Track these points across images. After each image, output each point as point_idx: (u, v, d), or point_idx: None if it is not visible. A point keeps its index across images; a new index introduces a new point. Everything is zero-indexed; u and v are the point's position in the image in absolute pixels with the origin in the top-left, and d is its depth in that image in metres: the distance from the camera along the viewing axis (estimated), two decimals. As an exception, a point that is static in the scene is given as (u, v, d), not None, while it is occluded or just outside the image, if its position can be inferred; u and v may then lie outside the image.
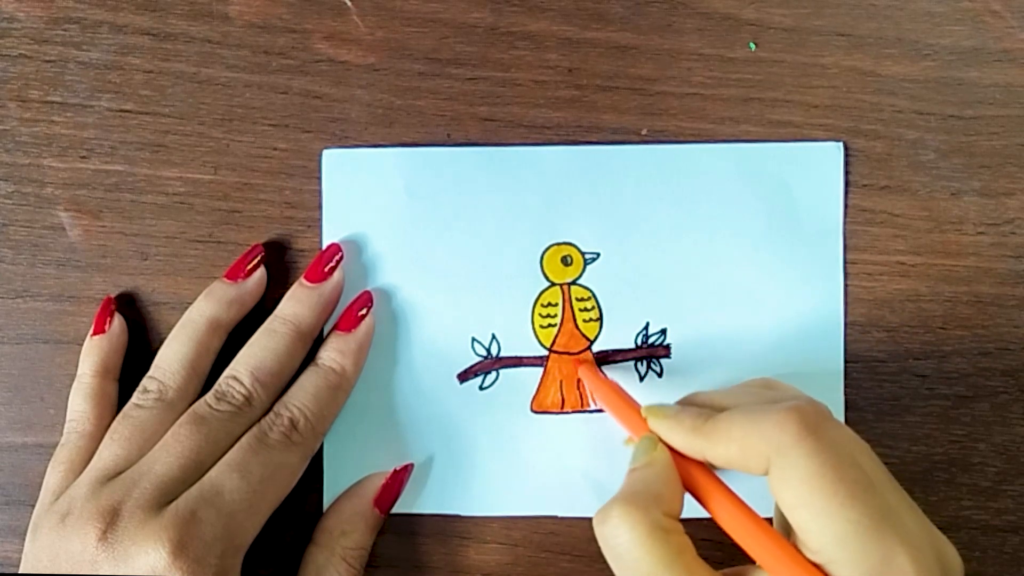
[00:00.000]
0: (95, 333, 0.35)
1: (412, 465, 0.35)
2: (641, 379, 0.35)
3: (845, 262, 0.35)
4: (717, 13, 0.35)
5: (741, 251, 0.35)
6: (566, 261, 0.35)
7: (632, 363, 0.35)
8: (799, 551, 0.25)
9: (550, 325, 0.35)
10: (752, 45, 0.35)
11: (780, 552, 0.25)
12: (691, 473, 0.28)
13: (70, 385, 0.34)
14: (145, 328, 0.36)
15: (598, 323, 0.35)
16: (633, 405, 0.31)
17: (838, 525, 0.24)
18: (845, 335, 0.35)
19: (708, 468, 0.28)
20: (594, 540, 0.35)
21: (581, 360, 0.35)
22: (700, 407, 0.29)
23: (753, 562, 0.26)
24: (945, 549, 0.25)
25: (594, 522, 0.27)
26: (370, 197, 0.35)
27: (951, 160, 0.35)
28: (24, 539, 0.31)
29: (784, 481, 0.25)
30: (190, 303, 0.34)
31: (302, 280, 0.34)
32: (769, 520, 0.27)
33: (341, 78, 0.36)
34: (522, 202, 0.35)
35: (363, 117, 0.36)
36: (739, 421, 0.27)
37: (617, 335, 0.35)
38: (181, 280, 0.36)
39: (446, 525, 0.35)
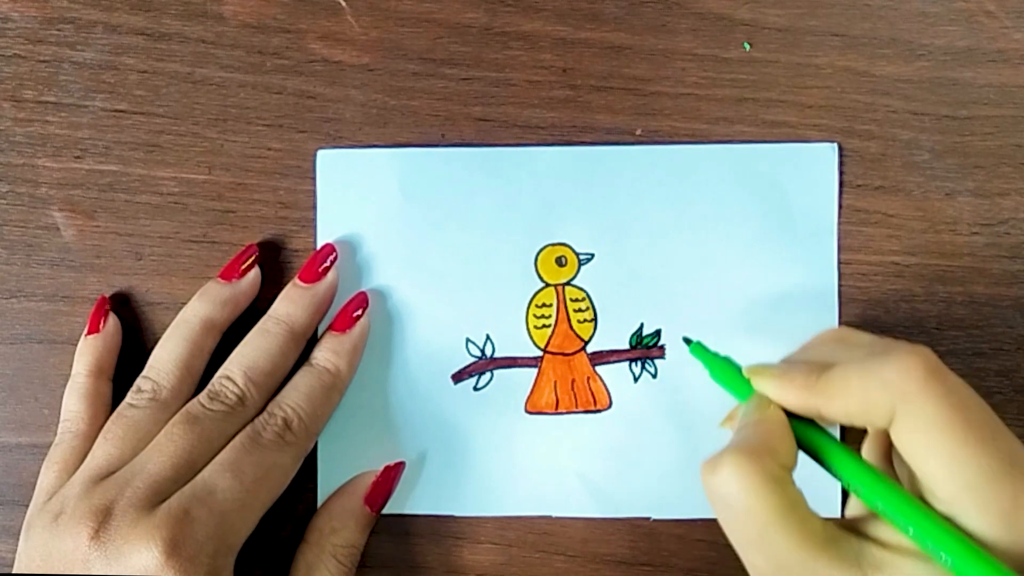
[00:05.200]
0: (89, 333, 0.35)
1: (403, 463, 0.35)
2: (635, 380, 0.35)
3: (839, 262, 0.35)
4: (711, 13, 0.35)
5: (735, 252, 0.35)
6: (560, 262, 0.35)
7: (626, 364, 0.35)
8: (926, 501, 0.25)
9: (544, 326, 0.35)
10: (746, 45, 0.35)
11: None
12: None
13: (64, 385, 0.34)
14: (139, 328, 0.36)
15: (592, 324, 0.35)
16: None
17: (968, 470, 0.24)
18: (839, 335, 0.35)
19: (820, 425, 0.27)
20: (588, 540, 0.35)
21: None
22: (807, 365, 0.28)
23: (874, 514, 0.26)
24: None
25: (703, 472, 0.26)
26: (364, 197, 0.35)
27: (945, 160, 0.35)
28: (18, 539, 0.31)
29: (912, 429, 0.24)
30: (184, 303, 0.34)
31: (296, 280, 0.34)
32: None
33: (335, 78, 0.36)
34: (516, 202, 0.35)
35: (357, 117, 0.36)
36: (856, 372, 0.26)
37: (611, 336, 0.35)
38: (175, 280, 0.36)
39: (440, 525, 0.35)
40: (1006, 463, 0.24)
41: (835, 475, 0.27)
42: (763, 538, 0.25)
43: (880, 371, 0.25)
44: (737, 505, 0.25)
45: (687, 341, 0.33)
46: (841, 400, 0.26)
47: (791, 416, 0.28)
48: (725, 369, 0.31)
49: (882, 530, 0.26)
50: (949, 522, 0.24)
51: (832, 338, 0.31)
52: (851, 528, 0.26)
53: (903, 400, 0.25)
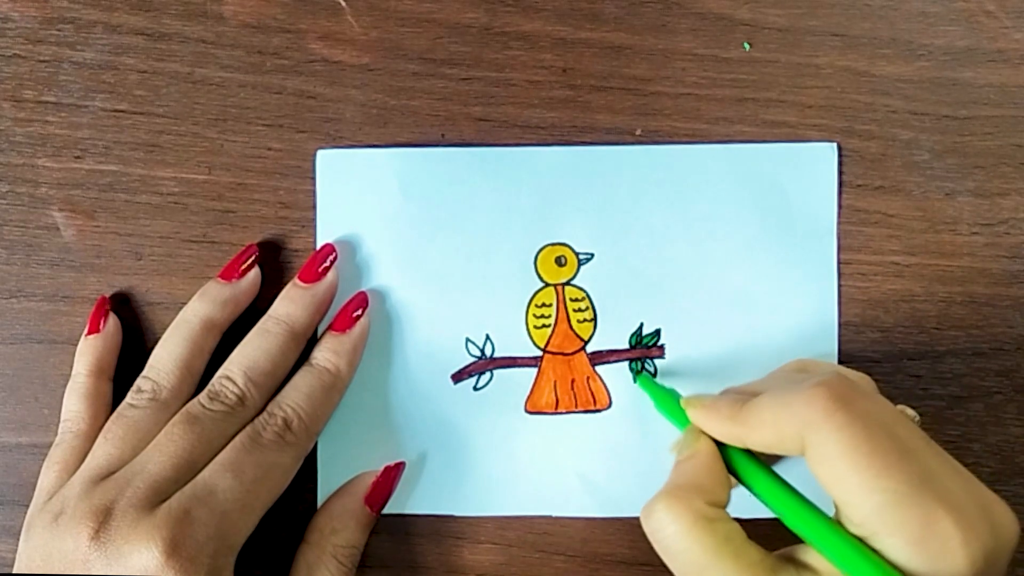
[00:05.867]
0: (90, 333, 0.35)
1: (404, 463, 0.35)
2: (635, 379, 0.35)
3: (839, 262, 0.35)
4: (711, 13, 0.35)
5: (735, 252, 0.35)
6: (560, 262, 0.35)
7: (626, 363, 0.35)
8: (843, 526, 0.25)
9: (544, 326, 0.35)
10: (746, 45, 0.35)
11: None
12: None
13: (64, 385, 0.34)
14: (139, 328, 0.36)
15: (592, 323, 0.35)
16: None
17: (876, 496, 0.24)
18: (839, 335, 0.35)
19: (751, 454, 0.28)
20: (588, 540, 0.35)
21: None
22: (738, 395, 0.29)
23: (802, 541, 0.26)
24: (995, 508, 0.25)
25: (641, 517, 0.27)
26: (364, 197, 0.35)
27: (945, 160, 0.35)
28: (18, 539, 0.31)
29: (819, 457, 0.25)
30: (184, 303, 0.34)
31: (296, 280, 0.34)
32: None
33: (335, 78, 0.36)
34: (516, 202, 0.35)
35: (357, 117, 0.36)
36: (770, 404, 0.27)
37: (611, 335, 0.35)
38: (175, 280, 0.36)
39: (440, 525, 0.35)
40: (916, 486, 0.24)
41: (761, 501, 0.27)
42: (703, 575, 0.26)
43: (790, 402, 0.26)
44: (673, 547, 0.26)
45: (633, 373, 0.34)
46: (758, 431, 0.27)
47: (727, 444, 0.29)
48: (667, 400, 0.32)
49: (817, 558, 0.26)
50: (866, 546, 0.24)
51: (794, 367, 0.32)
52: (790, 558, 0.27)
53: (809, 430, 0.25)
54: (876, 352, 0.35)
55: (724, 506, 0.27)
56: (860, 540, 0.25)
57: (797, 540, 0.27)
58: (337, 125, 0.36)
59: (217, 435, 0.31)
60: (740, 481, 0.28)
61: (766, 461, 0.28)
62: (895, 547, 0.24)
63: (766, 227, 0.35)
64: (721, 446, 0.29)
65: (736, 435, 0.28)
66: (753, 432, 0.27)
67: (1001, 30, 0.35)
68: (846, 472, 0.24)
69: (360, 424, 0.35)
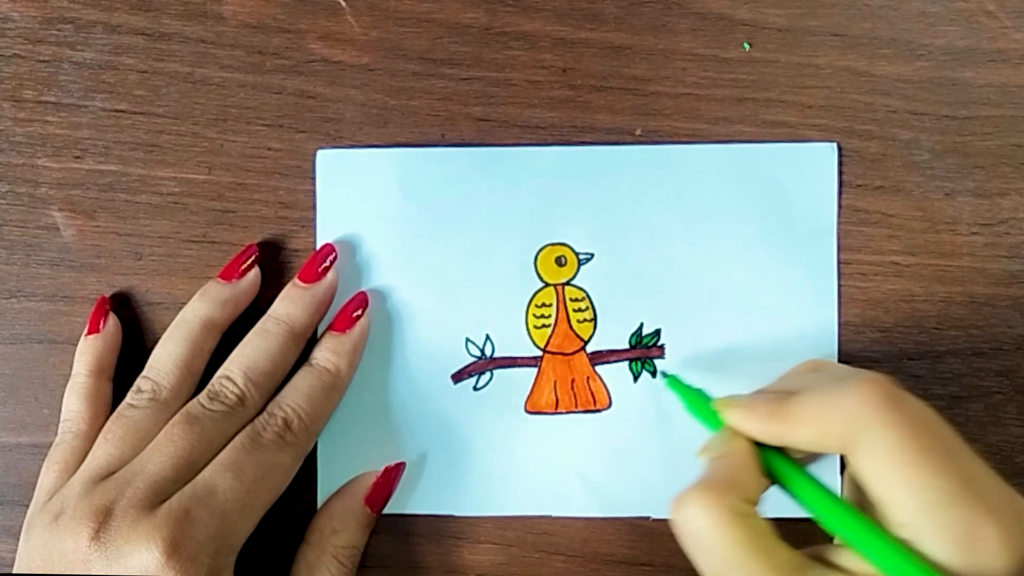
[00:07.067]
0: (89, 333, 0.35)
1: (404, 464, 0.35)
2: (635, 379, 0.35)
3: (839, 262, 0.35)
4: (711, 13, 0.35)
5: (735, 251, 0.35)
6: (560, 262, 0.35)
7: (626, 363, 0.35)
8: (884, 527, 0.25)
9: (544, 326, 0.35)
10: (746, 45, 0.35)
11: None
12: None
13: (64, 385, 0.34)
14: (139, 328, 0.36)
15: (592, 323, 0.35)
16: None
17: (925, 495, 0.24)
18: (839, 335, 0.35)
19: (786, 453, 0.28)
20: (588, 540, 0.35)
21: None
22: (773, 394, 0.29)
23: (830, 541, 0.26)
24: None
25: (671, 507, 0.27)
26: (364, 197, 0.35)
27: (945, 160, 0.35)
28: (18, 539, 0.31)
29: (869, 455, 0.25)
30: (184, 303, 0.34)
31: (296, 280, 0.34)
32: None
33: (335, 78, 0.36)
34: (516, 202, 0.35)
35: (357, 117, 0.36)
36: (816, 400, 0.27)
37: (611, 336, 0.35)
38: (175, 280, 0.36)
39: (440, 525, 0.35)
40: (963, 487, 0.24)
41: (799, 503, 0.27)
42: (730, 571, 0.26)
43: (838, 399, 0.26)
44: (703, 540, 0.26)
45: (664, 374, 0.33)
46: (802, 428, 0.27)
47: (761, 446, 0.28)
48: (698, 401, 0.31)
49: (848, 558, 0.26)
50: (908, 547, 0.24)
51: (807, 368, 0.32)
52: (819, 557, 0.27)
53: (859, 427, 0.25)
54: (876, 352, 0.35)
55: (756, 505, 0.27)
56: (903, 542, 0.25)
57: (823, 540, 0.27)
58: (337, 125, 0.36)
59: (217, 435, 0.31)
60: (777, 482, 0.28)
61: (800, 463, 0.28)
62: (938, 549, 0.24)
63: (766, 227, 0.35)
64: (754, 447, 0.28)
65: (777, 432, 0.27)
66: (796, 429, 0.27)
67: (1001, 30, 0.35)
68: (896, 469, 0.24)
69: (360, 424, 0.35)
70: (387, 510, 0.34)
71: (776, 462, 0.28)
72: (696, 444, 0.35)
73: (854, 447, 0.26)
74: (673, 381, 0.33)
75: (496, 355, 0.35)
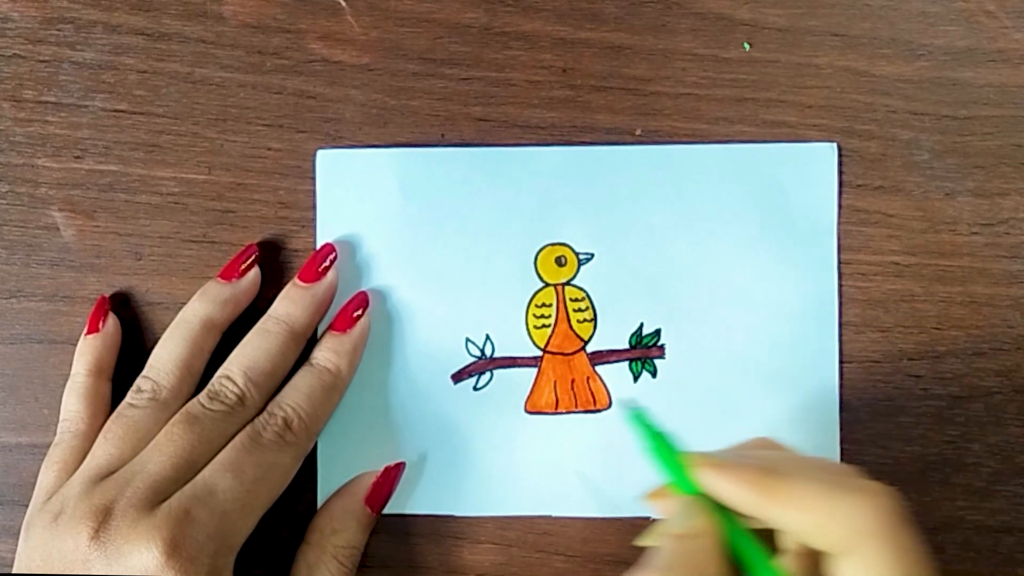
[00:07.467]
0: (89, 333, 0.35)
1: (404, 464, 0.35)
2: (635, 379, 0.35)
3: (839, 262, 0.35)
4: (711, 13, 0.35)
5: (735, 251, 0.35)
6: (560, 262, 0.35)
7: (626, 363, 0.35)
8: None
9: (544, 326, 0.35)
10: (746, 45, 0.35)
11: None
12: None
13: (64, 385, 0.34)
14: (139, 328, 0.36)
15: (592, 323, 0.35)
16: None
17: None
18: (839, 335, 0.35)
19: (753, 535, 0.25)
20: (588, 540, 0.35)
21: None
22: (751, 459, 0.26)
23: None
24: None
25: None
26: (364, 197, 0.35)
27: (945, 160, 0.35)
28: (18, 539, 0.31)
29: (863, 568, 0.24)
30: (184, 303, 0.34)
31: (296, 280, 0.34)
32: None
33: (335, 78, 0.36)
34: (516, 202, 0.35)
35: (357, 117, 0.36)
36: (821, 491, 0.24)
37: (611, 335, 0.35)
38: (175, 280, 0.36)
39: (440, 525, 0.35)
40: None
41: None
42: None
43: (847, 500, 0.24)
44: None
45: (628, 407, 0.29)
46: (798, 514, 0.24)
47: (730, 526, 0.25)
48: (663, 447, 0.27)
49: None
50: None
51: (760, 444, 0.29)
52: None
53: (864, 538, 0.24)
54: (876, 352, 0.35)
55: None
56: None
57: None
58: (337, 125, 0.36)
59: (217, 435, 0.31)
60: (740, 566, 0.25)
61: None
62: None
63: (766, 227, 0.35)
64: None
65: (764, 507, 0.24)
66: (790, 512, 0.24)
67: (1001, 30, 0.35)
68: None
69: (360, 424, 0.35)
70: (387, 510, 0.34)
71: (746, 547, 0.25)
72: (697, 443, 0.34)
73: (849, 552, 0.24)
74: (637, 416, 0.28)
75: (496, 355, 0.35)
